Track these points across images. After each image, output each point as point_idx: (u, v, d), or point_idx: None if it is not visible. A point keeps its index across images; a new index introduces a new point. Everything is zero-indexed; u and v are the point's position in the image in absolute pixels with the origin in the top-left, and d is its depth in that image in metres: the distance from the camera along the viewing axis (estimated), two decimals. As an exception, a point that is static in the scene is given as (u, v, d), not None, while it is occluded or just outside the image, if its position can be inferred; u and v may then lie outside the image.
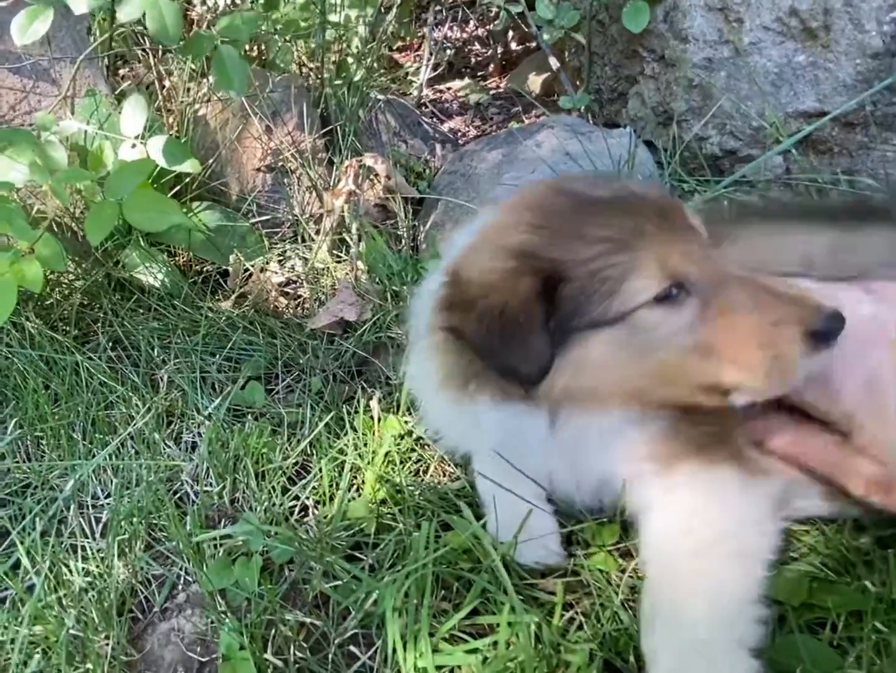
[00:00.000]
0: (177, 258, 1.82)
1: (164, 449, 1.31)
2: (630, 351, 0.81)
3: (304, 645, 0.97)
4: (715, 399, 0.85)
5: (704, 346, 0.81)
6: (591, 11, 1.89)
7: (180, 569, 1.11)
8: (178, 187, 1.82)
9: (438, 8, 3.38)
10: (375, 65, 2.57)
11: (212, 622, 1.02)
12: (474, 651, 0.90)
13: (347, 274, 1.74)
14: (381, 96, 2.28)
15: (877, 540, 0.95)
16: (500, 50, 2.84)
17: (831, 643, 0.88)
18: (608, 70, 1.93)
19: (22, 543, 1.13)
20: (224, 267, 1.78)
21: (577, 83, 2.14)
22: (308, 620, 1.00)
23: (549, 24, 2.03)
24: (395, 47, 3.24)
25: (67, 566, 1.12)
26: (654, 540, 0.91)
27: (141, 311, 1.63)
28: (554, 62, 2.07)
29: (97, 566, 1.11)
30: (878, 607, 0.88)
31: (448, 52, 3.09)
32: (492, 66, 2.86)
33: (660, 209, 0.84)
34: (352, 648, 0.97)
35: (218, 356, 1.51)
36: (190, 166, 1.59)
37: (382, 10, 2.59)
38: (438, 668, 0.89)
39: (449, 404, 0.97)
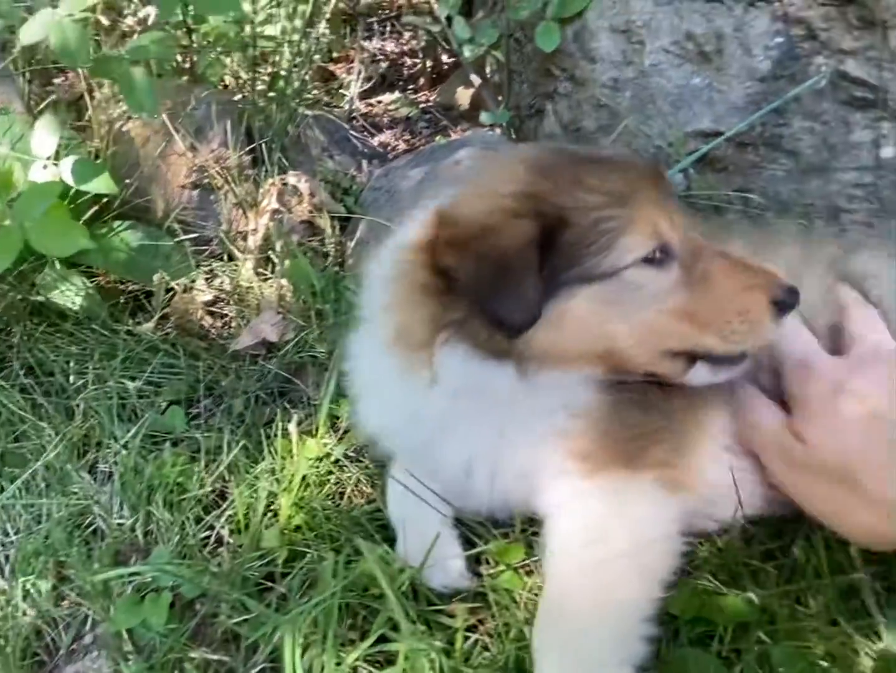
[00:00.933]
0: (100, 279, 1.73)
1: (78, 481, 1.24)
2: (614, 308, 0.80)
3: (211, 683, 0.93)
4: (679, 368, 0.85)
5: (683, 309, 0.82)
6: (509, 30, 1.87)
7: (88, 609, 1.04)
8: (97, 206, 1.73)
9: (371, 20, 3.31)
10: (307, 77, 2.49)
11: (117, 664, 0.96)
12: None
13: (273, 292, 1.68)
14: (308, 112, 2.21)
15: (763, 553, 0.95)
16: (429, 64, 2.79)
17: (720, 655, 0.88)
18: (526, 87, 1.91)
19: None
20: (149, 287, 1.70)
21: (500, 98, 2.12)
22: (215, 656, 0.95)
23: (469, 42, 2.00)
24: (332, 59, 3.15)
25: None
26: (558, 545, 0.88)
27: (58, 336, 1.54)
28: (475, 78, 2.05)
29: (1, 609, 1.04)
30: (762, 619, 0.88)
31: (382, 65, 3.03)
32: (422, 79, 2.81)
33: (652, 173, 0.85)
34: (260, 682, 0.93)
35: (138, 381, 1.43)
36: (104, 186, 1.51)
37: (314, 22, 2.51)
38: (343, 700, 0.86)
39: (395, 371, 0.89)
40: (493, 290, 0.77)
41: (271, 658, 0.93)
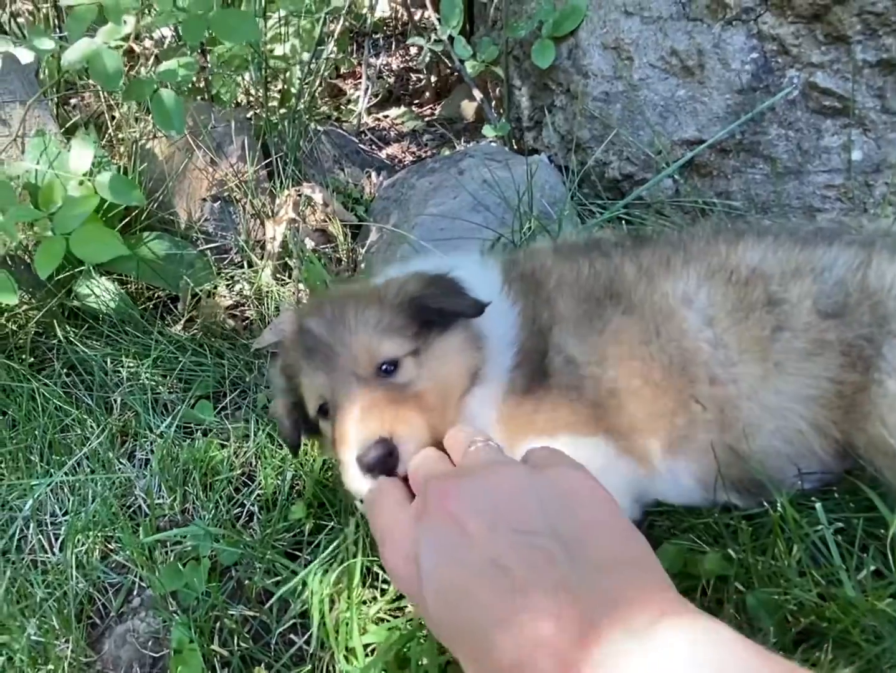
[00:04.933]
0: (128, 286, 1.87)
1: (118, 467, 1.37)
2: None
3: (248, 636, 1.05)
4: None
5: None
6: (507, 48, 2.01)
7: (135, 576, 1.17)
8: (128, 219, 1.87)
9: (377, 35, 3.48)
10: (317, 94, 2.65)
11: (164, 621, 1.09)
12: (394, 629, 0.99)
13: (291, 295, 1.81)
14: (320, 127, 2.36)
15: (743, 516, 1.06)
16: (433, 79, 2.94)
17: (703, 605, 0.99)
18: (525, 101, 2.05)
19: (-17, 561, 1.18)
20: (175, 293, 1.84)
21: (501, 111, 2.26)
22: (251, 613, 1.07)
23: (471, 59, 2.14)
24: (340, 74, 3.31)
25: (29, 580, 1.17)
26: None
27: (94, 337, 1.68)
28: (477, 93, 2.18)
29: (56, 578, 1.17)
30: (739, 571, 1.00)
31: (387, 80, 3.18)
32: (427, 93, 2.96)
33: (316, 338, 1.00)
34: (291, 636, 1.05)
35: (169, 377, 1.57)
36: (136, 199, 1.65)
37: (325, 39, 2.67)
38: (366, 645, 0.98)
39: None
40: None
41: (301, 613, 1.06)
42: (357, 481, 0.86)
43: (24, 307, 1.72)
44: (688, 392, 1.03)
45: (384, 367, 0.95)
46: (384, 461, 0.83)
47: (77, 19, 1.36)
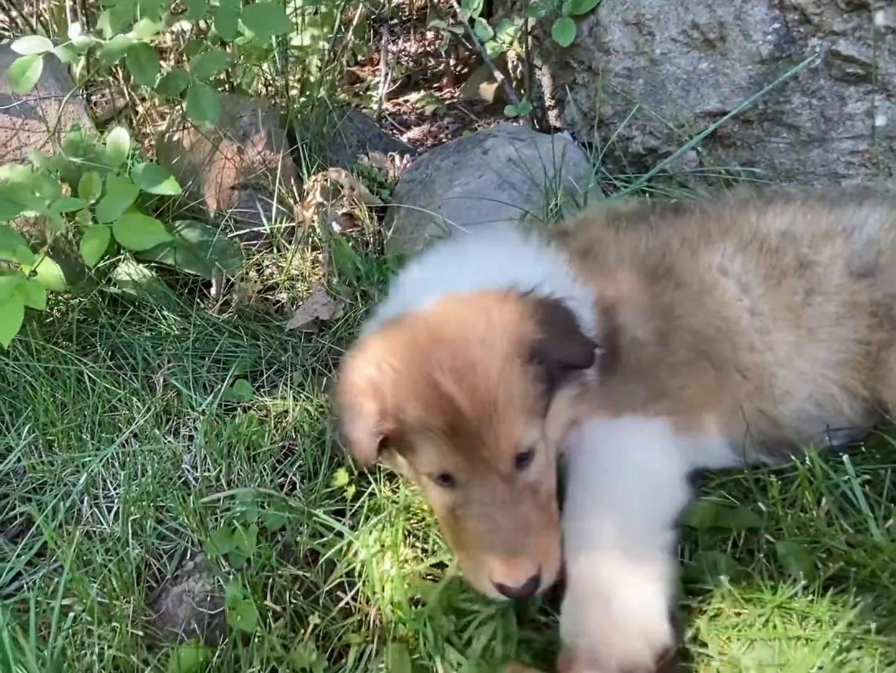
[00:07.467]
0: (163, 273, 1.96)
1: (165, 443, 1.46)
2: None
3: (299, 593, 1.13)
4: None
5: (448, 523, 1.01)
6: (527, 28, 2.06)
7: (187, 541, 1.26)
8: (161, 209, 1.96)
9: (393, 22, 3.54)
10: (337, 82, 2.72)
11: (218, 581, 1.17)
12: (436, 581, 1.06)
13: (321, 278, 1.89)
14: (342, 113, 2.43)
15: (772, 471, 1.12)
16: (452, 62, 2.99)
17: (734, 556, 1.05)
18: (546, 79, 2.10)
19: (45, 530, 1.27)
20: (207, 278, 1.93)
21: (522, 91, 2.31)
22: (300, 573, 1.15)
23: (492, 40, 2.20)
24: (358, 61, 3.38)
25: (88, 549, 1.26)
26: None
27: (135, 322, 1.77)
28: (498, 74, 2.24)
29: (114, 545, 1.26)
30: (769, 524, 1.05)
31: (406, 64, 3.24)
32: (446, 77, 3.01)
33: (460, 414, 0.94)
34: (339, 593, 1.13)
35: (207, 359, 1.65)
36: (169, 188, 1.74)
37: (342, 28, 2.73)
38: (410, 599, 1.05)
39: None
40: (342, 426, 1.05)
41: (347, 572, 1.14)
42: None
43: (68, 295, 1.81)
44: (731, 363, 1.09)
45: (521, 456, 0.97)
46: (532, 592, 0.93)
47: (116, 16, 1.44)
